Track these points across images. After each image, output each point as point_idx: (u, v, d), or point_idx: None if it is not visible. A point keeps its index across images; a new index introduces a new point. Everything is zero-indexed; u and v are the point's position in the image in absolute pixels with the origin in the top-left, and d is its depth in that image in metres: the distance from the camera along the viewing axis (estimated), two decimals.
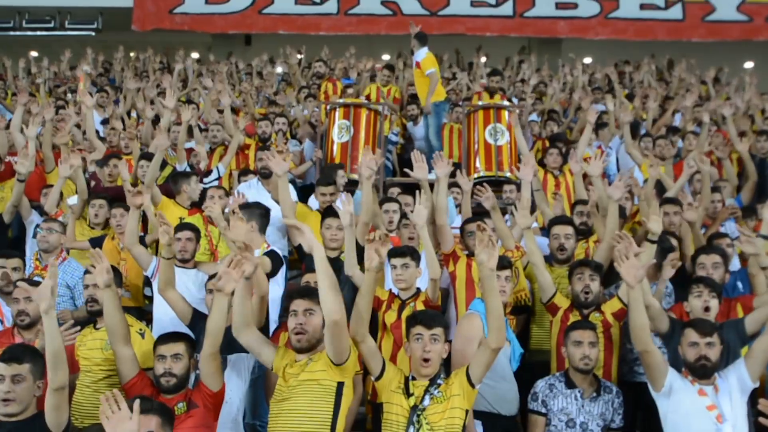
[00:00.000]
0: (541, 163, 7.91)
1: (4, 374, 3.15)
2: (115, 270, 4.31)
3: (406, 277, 4.36)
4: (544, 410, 3.82)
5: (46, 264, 5.09)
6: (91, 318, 4.34)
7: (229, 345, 4.02)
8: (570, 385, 3.82)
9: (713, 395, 3.57)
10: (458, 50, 14.09)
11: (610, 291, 4.80)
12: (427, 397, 3.31)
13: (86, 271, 4.34)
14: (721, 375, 3.64)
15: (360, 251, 4.17)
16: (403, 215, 5.34)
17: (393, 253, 4.38)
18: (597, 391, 3.83)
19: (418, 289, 4.45)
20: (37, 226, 5.80)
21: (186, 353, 3.62)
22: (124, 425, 2.51)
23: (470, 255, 4.86)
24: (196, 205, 6.05)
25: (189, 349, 3.66)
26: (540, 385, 3.89)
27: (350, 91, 9.52)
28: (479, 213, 5.83)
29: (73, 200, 5.93)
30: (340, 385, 3.36)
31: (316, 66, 10.56)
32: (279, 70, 11.05)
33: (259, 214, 4.96)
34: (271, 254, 4.78)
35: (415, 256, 4.42)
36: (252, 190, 6.31)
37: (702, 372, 3.58)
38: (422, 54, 8.27)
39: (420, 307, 4.29)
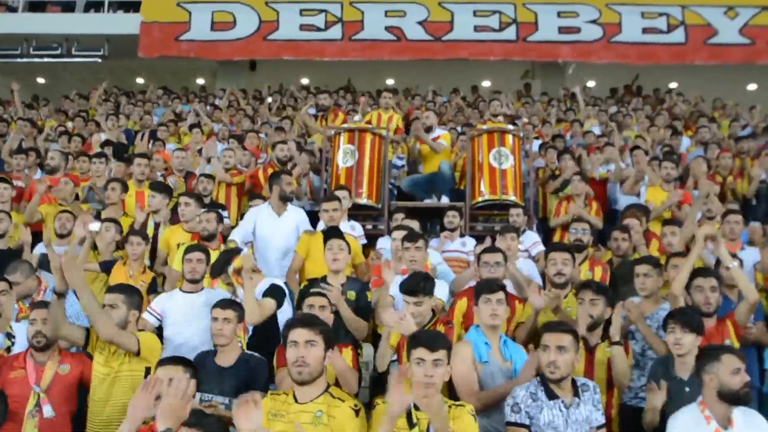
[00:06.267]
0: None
1: None
2: (137, 291, 4.37)
3: (421, 312, 4.25)
4: (528, 422, 3.50)
5: (30, 302, 5.10)
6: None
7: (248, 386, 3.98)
8: (551, 395, 3.53)
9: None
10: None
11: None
12: (432, 430, 3.17)
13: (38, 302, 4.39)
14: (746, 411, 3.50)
15: None
16: (404, 238, 5.33)
17: (405, 290, 4.30)
18: (576, 394, 3.57)
19: (434, 312, 4.38)
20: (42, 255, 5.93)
21: (184, 377, 3.40)
22: None
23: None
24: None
25: (187, 374, 3.49)
26: (521, 394, 3.56)
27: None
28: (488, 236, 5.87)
29: (95, 226, 5.96)
30: None
31: (321, 98, 10.65)
32: (312, 111, 11.07)
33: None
34: (274, 288, 4.79)
35: (427, 289, 4.30)
36: (262, 213, 6.33)
37: (746, 400, 3.44)
38: (442, 131, 8.65)
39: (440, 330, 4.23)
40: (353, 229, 6.51)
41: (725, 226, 6.24)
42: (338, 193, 6.61)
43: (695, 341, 3.94)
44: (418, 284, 4.30)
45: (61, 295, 3.99)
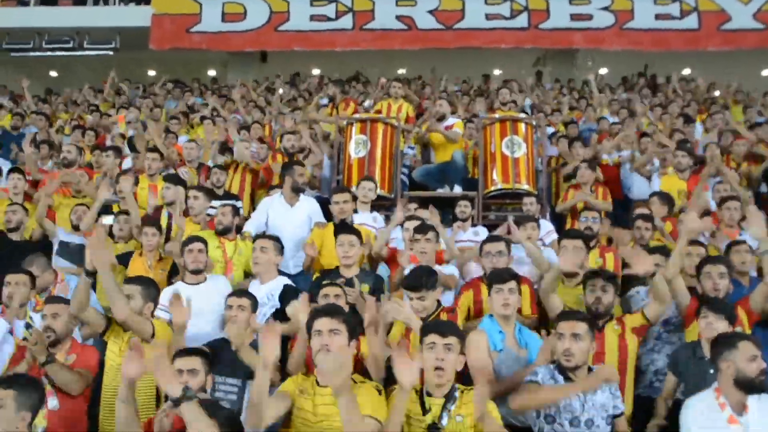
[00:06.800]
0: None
1: None
2: (153, 283, 4.45)
3: (425, 306, 4.21)
4: (537, 378, 3.53)
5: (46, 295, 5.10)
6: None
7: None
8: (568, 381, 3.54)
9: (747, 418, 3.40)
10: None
11: (631, 296, 4.86)
12: (444, 415, 3.20)
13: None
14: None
15: None
16: (415, 230, 5.34)
17: (407, 286, 4.26)
18: None
19: (439, 303, 4.36)
20: (61, 242, 6.06)
21: (202, 368, 3.56)
22: None
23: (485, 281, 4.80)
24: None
25: (205, 365, 3.59)
26: (542, 371, 3.57)
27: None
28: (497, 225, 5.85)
29: (108, 220, 6.03)
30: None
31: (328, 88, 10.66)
32: (324, 101, 11.06)
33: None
34: (288, 289, 4.88)
35: (429, 284, 4.24)
36: (275, 203, 6.36)
37: (761, 388, 3.42)
38: (455, 119, 8.48)
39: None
40: (375, 221, 6.48)
41: (724, 212, 6.19)
42: (365, 183, 6.61)
43: (727, 329, 3.95)
44: (420, 279, 4.25)
45: (91, 274, 4.02)
